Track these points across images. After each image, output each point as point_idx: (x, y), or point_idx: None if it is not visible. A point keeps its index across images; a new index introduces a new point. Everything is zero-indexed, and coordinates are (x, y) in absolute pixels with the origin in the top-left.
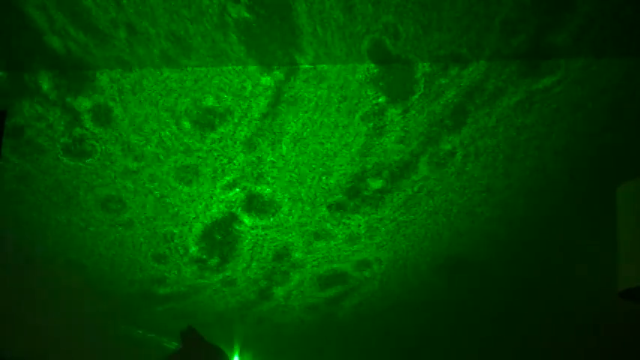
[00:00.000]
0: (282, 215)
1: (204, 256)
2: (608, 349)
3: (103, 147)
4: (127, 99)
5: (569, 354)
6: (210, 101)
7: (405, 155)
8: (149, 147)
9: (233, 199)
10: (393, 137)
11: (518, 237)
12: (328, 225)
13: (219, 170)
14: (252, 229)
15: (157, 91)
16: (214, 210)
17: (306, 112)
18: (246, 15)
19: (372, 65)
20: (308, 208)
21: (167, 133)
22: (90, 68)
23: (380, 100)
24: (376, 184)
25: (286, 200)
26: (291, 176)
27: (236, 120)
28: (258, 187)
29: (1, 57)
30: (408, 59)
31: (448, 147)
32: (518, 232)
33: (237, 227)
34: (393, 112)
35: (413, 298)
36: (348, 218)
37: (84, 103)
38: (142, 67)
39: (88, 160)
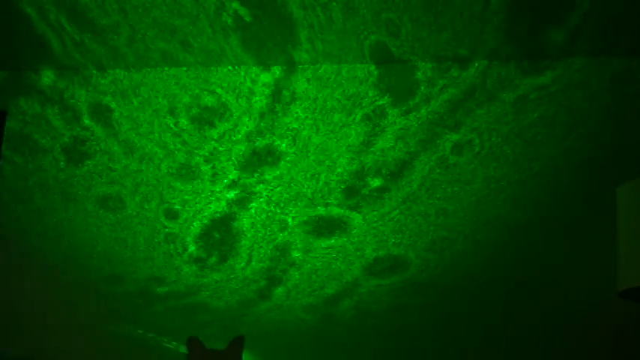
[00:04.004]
0: (281, 214)
1: (204, 255)
2: (608, 349)
3: (103, 146)
4: (127, 98)
5: (569, 354)
6: (209, 100)
7: (405, 154)
8: (148, 146)
9: (232, 198)
10: (392, 136)
11: (517, 237)
12: (327, 224)
13: (219, 169)
14: (252, 227)
15: (156, 90)
16: (213, 208)
17: (306, 110)
18: (245, 14)
19: (372, 65)
20: (307, 207)
21: (166, 131)
22: (90, 68)
23: (379, 99)
24: (375, 182)
25: (285, 199)
26: (290, 175)
27: (235, 119)
28: (258, 186)
29: (2, 57)
30: (408, 59)
31: (447, 146)
32: (518, 231)
33: (236, 226)
34: (393, 112)
35: (412, 297)
36: (348, 217)
37: (84, 103)
38: (141, 66)
39: (87, 160)
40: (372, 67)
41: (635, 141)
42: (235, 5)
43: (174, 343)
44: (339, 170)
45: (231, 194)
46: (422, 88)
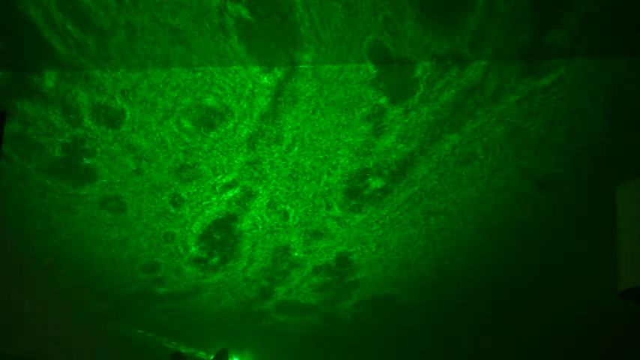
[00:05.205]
0: (282, 214)
1: (205, 256)
2: (608, 349)
3: (104, 146)
4: (128, 98)
5: (569, 354)
6: (210, 101)
7: (405, 155)
8: (149, 146)
9: (233, 199)
10: (393, 137)
11: (517, 237)
12: (328, 224)
13: (220, 170)
14: (252, 228)
15: (157, 91)
16: (214, 209)
17: (307, 111)
18: (247, 15)
19: (372, 65)
20: (308, 208)
21: (167, 132)
22: (90, 68)
23: (380, 99)
24: (376, 183)
25: (286, 200)
26: (291, 176)
27: (236, 119)
28: (258, 187)
29: (2, 57)
30: (407, 59)
31: (448, 146)
32: (518, 231)
33: (237, 227)
34: (393, 112)
35: (413, 297)
36: (348, 217)
37: (84, 103)
38: (142, 66)
39: (88, 160)
40: (372, 67)
41: (635, 141)
42: (237, 6)
43: (174, 343)
44: (340, 171)
45: (232, 195)
46: (422, 87)
